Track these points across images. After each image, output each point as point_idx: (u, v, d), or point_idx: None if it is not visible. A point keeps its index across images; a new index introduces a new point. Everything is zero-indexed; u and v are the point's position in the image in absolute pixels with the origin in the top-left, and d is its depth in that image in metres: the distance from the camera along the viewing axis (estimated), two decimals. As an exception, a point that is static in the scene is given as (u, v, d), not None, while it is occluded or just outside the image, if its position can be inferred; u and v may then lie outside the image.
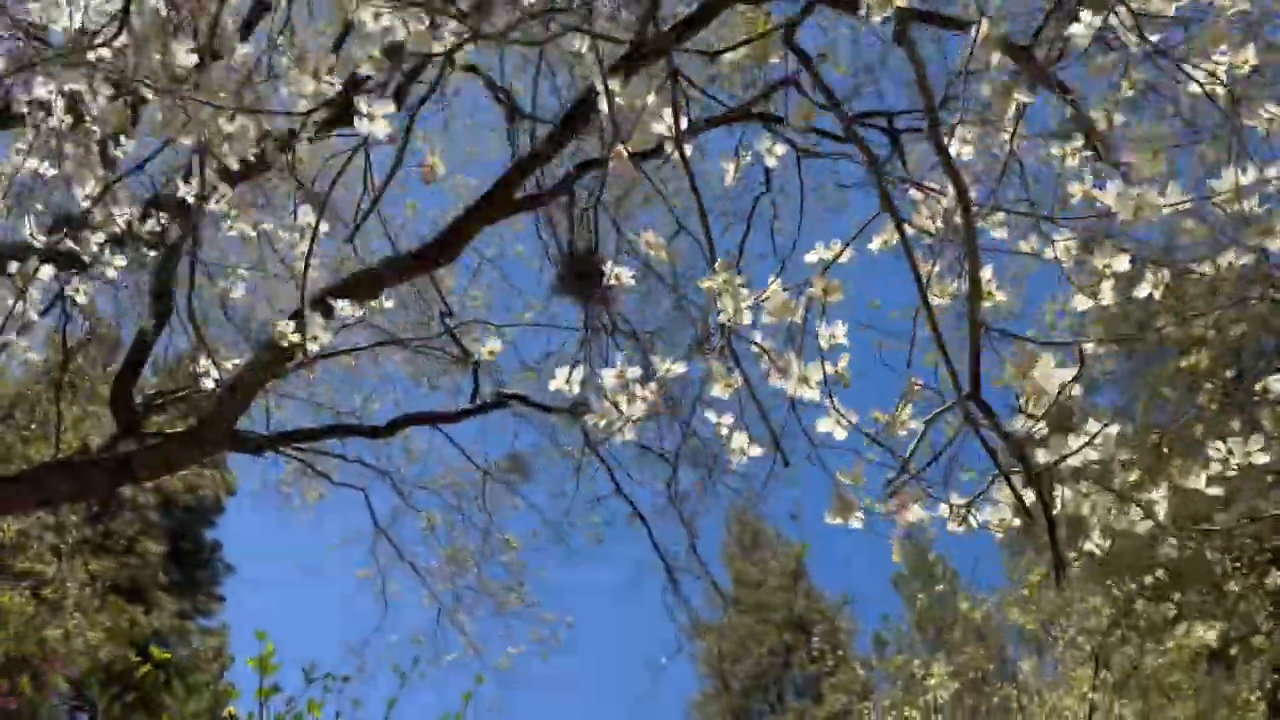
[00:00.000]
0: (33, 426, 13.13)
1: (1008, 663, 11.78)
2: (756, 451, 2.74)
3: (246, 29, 9.17)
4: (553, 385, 3.07)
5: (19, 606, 10.99)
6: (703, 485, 9.60)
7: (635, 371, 2.78)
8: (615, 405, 2.72)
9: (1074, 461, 2.16)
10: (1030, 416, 2.18)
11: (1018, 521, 2.22)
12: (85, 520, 14.40)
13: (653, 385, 2.75)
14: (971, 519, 2.33)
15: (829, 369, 2.52)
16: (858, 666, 16.76)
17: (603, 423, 2.75)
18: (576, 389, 3.06)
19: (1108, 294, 2.37)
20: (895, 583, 23.49)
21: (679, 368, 2.84)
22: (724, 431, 2.71)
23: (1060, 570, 2.19)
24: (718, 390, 2.67)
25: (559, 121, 8.14)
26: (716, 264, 2.66)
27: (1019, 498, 2.21)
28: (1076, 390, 2.18)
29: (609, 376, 2.74)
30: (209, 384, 3.26)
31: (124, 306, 12.35)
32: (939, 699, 8.63)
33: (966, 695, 8.87)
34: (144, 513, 19.40)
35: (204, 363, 3.37)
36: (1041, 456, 2.17)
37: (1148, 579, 7.62)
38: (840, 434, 2.53)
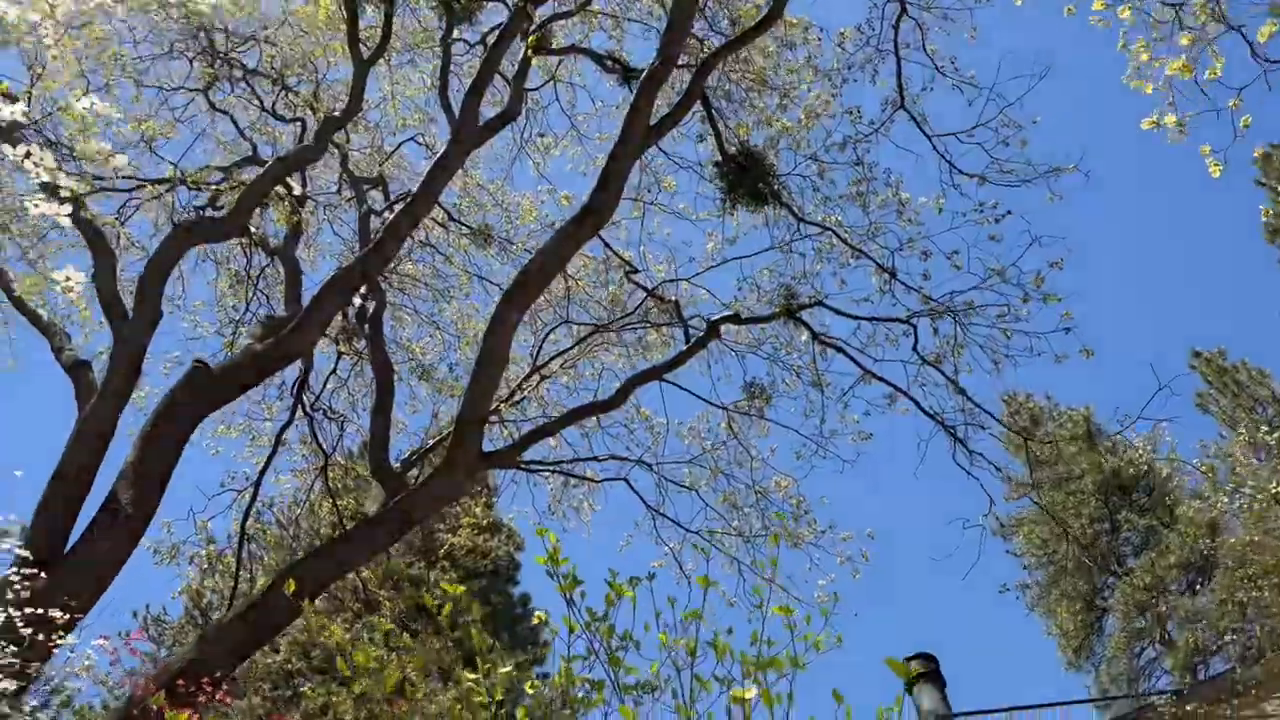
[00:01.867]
0: (321, 532, 13.95)
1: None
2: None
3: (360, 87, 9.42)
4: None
5: (370, 689, 11.67)
6: (952, 341, 8.97)
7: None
8: None
9: None
10: None
11: None
12: (393, 596, 15.24)
13: None
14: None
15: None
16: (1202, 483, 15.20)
17: None
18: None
19: None
20: (1201, 405, 21.52)
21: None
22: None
23: None
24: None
25: (665, 31, 7.87)
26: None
27: None
28: None
29: None
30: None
31: (355, 396, 13.03)
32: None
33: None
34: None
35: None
36: None
37: None
38: None
